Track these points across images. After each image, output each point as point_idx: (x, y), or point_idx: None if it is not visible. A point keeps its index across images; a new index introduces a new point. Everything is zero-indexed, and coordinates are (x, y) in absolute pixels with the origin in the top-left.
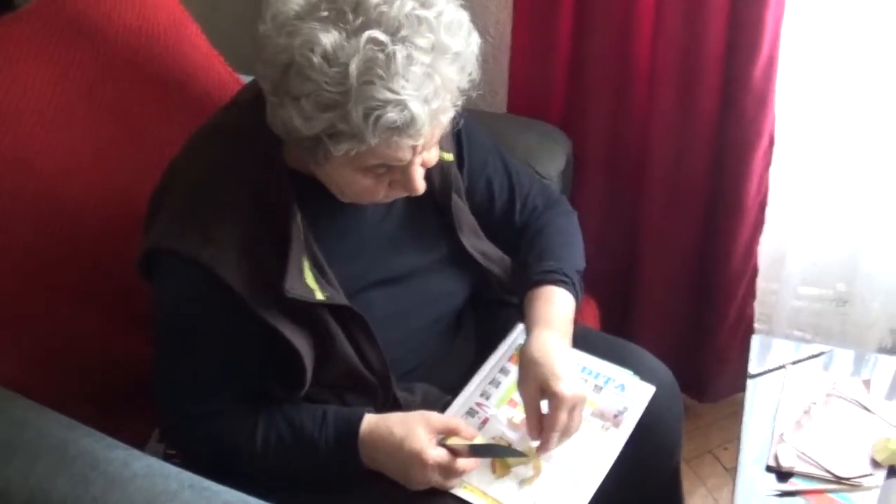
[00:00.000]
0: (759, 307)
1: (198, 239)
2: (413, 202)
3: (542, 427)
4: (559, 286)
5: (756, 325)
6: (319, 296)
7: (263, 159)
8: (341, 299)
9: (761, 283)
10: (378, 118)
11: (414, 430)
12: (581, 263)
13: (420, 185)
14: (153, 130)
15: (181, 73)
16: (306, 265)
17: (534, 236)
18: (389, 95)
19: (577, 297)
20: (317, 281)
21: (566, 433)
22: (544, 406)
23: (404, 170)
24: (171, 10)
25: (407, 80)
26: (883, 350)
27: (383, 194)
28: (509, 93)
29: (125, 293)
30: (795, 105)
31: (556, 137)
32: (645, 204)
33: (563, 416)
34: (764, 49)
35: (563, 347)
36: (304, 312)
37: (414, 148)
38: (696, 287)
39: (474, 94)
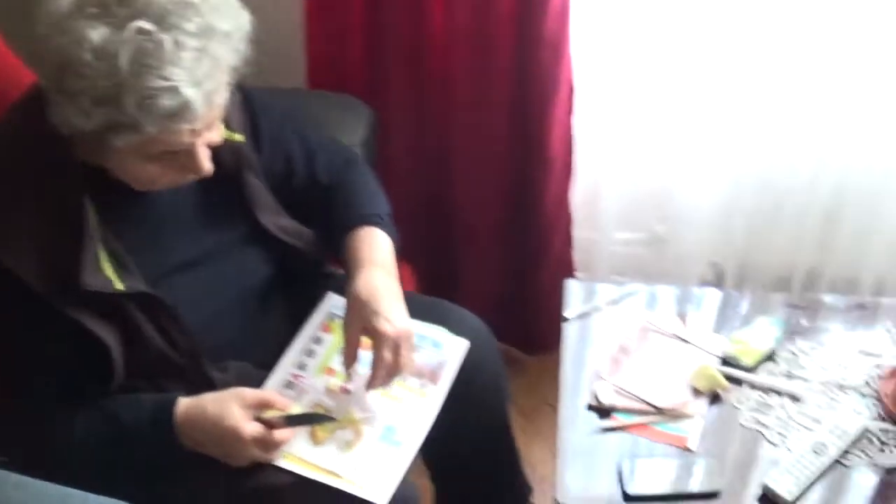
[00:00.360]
0: (579, 255)
1: None
2: (207, 184)
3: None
4: (375, 227)
5: (578, 274)
6: (119, 286)
7: (51, 156)
8: (141, 287)
9: (578, 231)
10: (152, 106)
11: (228, 407)
12: (387, 208)
13: (206, 166)
14: None
15: None
16: (103, 257)
17: (339, 191)
18: (161, 83)
19: (392, 236)
20: (115, 271)
21: (393, 372)
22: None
23: (188, 153)
24: None
25: (177, 66)
26: (706, 283)
27: (172, 179)
28: (308, 68)
29: None
30: (594, 52)
31: (358, 108)
32: (454, 164)
33: (386, 355)
34: (554, 1)
35: (389, 285)
36: (107, 304)
37: (193, 131)
38: (512, 240)
39: (249, 71)
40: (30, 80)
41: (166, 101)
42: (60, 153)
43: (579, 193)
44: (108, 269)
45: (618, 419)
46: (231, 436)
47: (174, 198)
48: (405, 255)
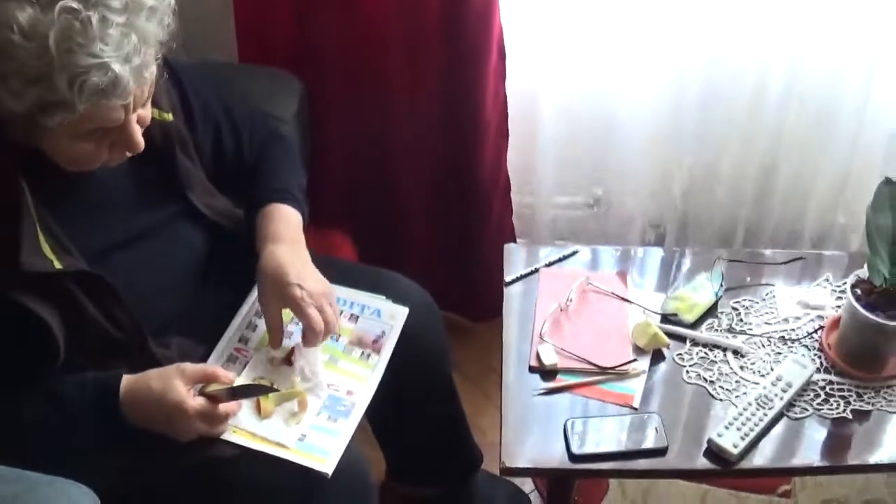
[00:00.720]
0: (518, 221)
1: None
2: (140, 163)
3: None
4: (280, 202)
5: (519, 240)
6: (58, 265)
7: None
8: (81, 266)
9: (517, 197)
10: (83, 84)
11: (171, 382)
12: (300, 181)
13: (139, 142)
14: None
15: None
16: (41, 237)
17: (254, 168)
18: (91, 60)
19: (301, 210)
20: (54, 251)
21: (327, 331)
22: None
23: (121, 130)
24: None
25: (105, 43)
26: (647, 244)
27: (106, 157)
28: (238, 42)
29: None
30: (524, 13)
31: (287, 81)
32: (389, 132)
33: (310, 313)
34: None
35: (296, 254)
36: (48, 284)
37: (125, 107)
38: (451, 207)
39: (174, 45)
40: None
41: (96, 79)
42: None
43: (516, 158)
44: (48, 250)
45: (561, 380)
46: (175, 411)
47: (108, 177)
48: (344, 225)
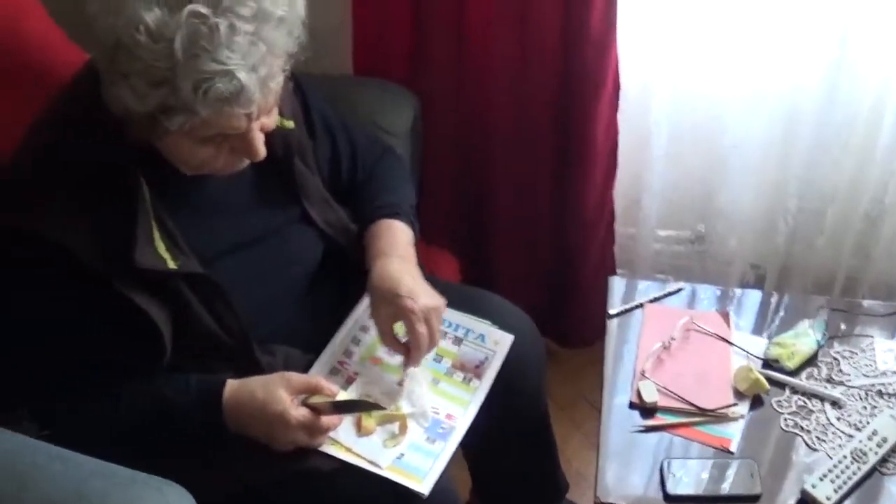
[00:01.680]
0: (620, 252)
1: (46, 217)
2: (260, 169)
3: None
4: (391, 218)
5: (619, 271)
6: (171, 265)
7: (105, 134)
8: (194, 267)
9: (620, 228)
10: (207, 90)
11: (275, 391)
12: (411, 198)
13: (260, 151)
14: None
15: (21, 51)
16: (157, 235)
17: (366, 184)
18: (216, 67)
19: (412, 226)
20: (168, 250)
21: (431, 346)
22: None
23: (242, 137)
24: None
25: (232, 51)
26: (746, 285)
27: (225, 163)
28: (354, 55)
29: None
30: (640, 44)
31: (403, 95)
32: (496, 155)
33: (419, 329)
34: None
35: (407, 269)
36: (159, 283)
37: (248, 116)
38: (555, 235)
39: (303, 57)
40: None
41: (221, 85)
42: (115, 133)
43: (622, 189)
44: (162, 249)
45: (660, 418)
46: (277, 420)
47: (227, 180)
48: (448, 244)
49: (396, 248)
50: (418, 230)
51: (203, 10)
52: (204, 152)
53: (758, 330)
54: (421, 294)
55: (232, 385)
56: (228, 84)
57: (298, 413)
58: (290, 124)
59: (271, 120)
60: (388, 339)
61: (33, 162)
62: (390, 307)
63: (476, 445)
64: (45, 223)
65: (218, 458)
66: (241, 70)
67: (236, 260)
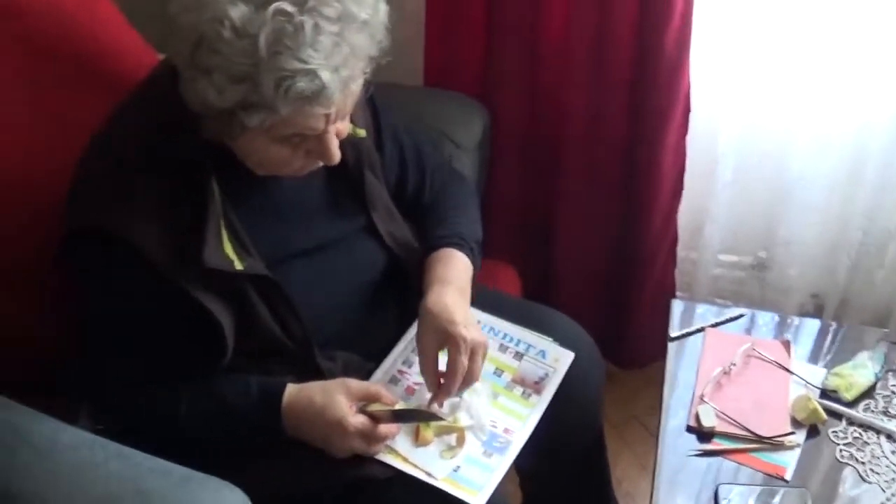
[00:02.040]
0: (680, 275)
1: (116, 213)
2: (330, 176)
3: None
4: (455, 248)
5: (678, 294)
6: (238, 266)
7: (180, 132)
8: (261, 269)
9: (681, 252)
10: (289, 88)
11: (334, 397)
12: (477, 232)
13: (335, 154)
14: (69, 112)
15: (96, 52)
16: (225, 235)
17: (434, 207)
18: (298, 65)
19: (473, 261)
20: (236, 251)
21: (468, 380)
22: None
23: (319, 139)
24: None
25: (315, 50)
26: (804, 314)
27: (299, 165)
28: (425, 67)
29: (35, 276)
30: (711, 71)
31: (473, 108)
32: (563, 172)
33: (463, 360)
34: (676, 16)
35: (462, 302)
36: (225, 283)
37: (327, 117)
38: (616, 254)
39: (384, 62)
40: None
41: (302, 84)
42: (188, 132)
43: (686, 213)
44: (230, 249)
45: (717, 443)
46: (335, 426)
47: (297, 185)
48: (510, 259)
49: (457, 279)
50: (479, 266)
51: (289, 8)
52: (280, 153)
53: (814, 359)
54: (472, 328)
55: (292, 389)
56: (310, 83)
57: (356, 420)
58: (363, 133)
59: (345, 125)
60: (430, 365)
61: (107, 157)
62: (439, 334)
63: (529, 462)
64: (116, 220)
65: (275, 461)
66: (324, 70)
67: (301, 265)
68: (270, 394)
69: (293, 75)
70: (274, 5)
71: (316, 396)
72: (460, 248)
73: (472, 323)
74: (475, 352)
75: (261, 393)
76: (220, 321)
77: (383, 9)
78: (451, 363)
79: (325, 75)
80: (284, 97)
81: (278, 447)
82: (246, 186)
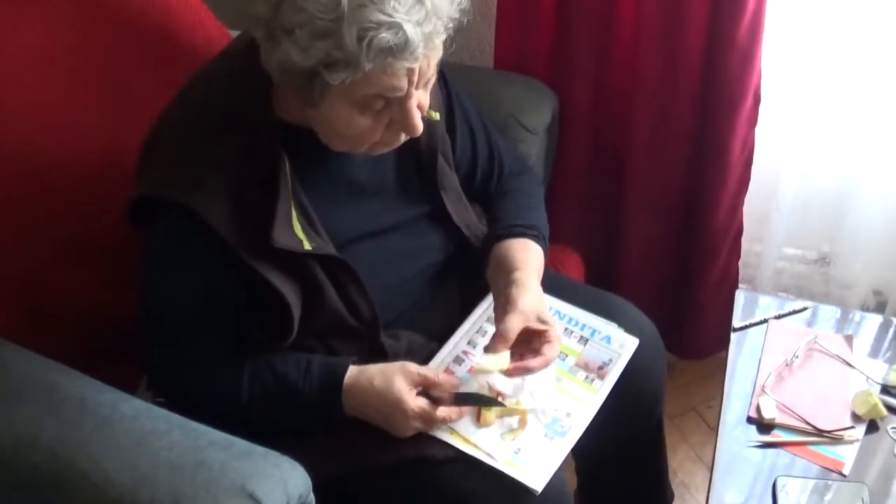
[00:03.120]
0: (743, 267)
1: (188, 186)
2: (401, 158)
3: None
4: (532, 240)
5: (740, 286)
6: (307, 246)
7: (253, 108)
8: (330, 249)
9: (746, 243)
10: (372, 40)
11: (393, 380)
12: (545, 223)
13: (418, 124)
14: (138, 84)
15: (167, 26)
16: (294, 215)
17: (507, 195)
18: (382, 17)
19: (545, 253)
20: (305, 231)
21: (548, 363)
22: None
23: (401, 106)
24: None
25: (399, 3)
26: (866, 310)
27: (379, 136)
28: (496, 48)
29: (111, 247)
30: (782, 63)
31: (543, 92)
32: (630, 160)
33: (555, 351)
34: (749, 7)
35: (538, 288)
36: (293, 262)
37: (409, 76)
38: (680, 244)
39: (465, 21)
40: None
41: (386, 36)
42: (261, 110)
43: (751, 205)
44: (298, 229)
45: (776, 435)
46: (396, 408)
47: (368, 167)
48: (574, 244)
49: (538, 270)
50: (548, 258)
51: None
52: (361, 121)
53: (875, 354)
54: (545, 308)
55: (352, 371)
56: (394, 36)
57: (416, 402)
58: (437, 116)
59: (426, 97)
60: (505, 346)
61: (181, 130)
62: (528, 320)
63: (588, 447)
64: (188, 193)
65: (336, 438)
66: (407, 23)
67: (369, 246)
68: (332, 375)
69: (376, 27)
70: None
71: (376, 379)
72: (536, 239)
73: (545, 306)
74: (557, 333)
75: (322, 374)
76: (287, 300)
77: None
78: (540, 353)
79: (409, 28)
80: (368, 50)
81: (340, 424)
82: (317, 168)
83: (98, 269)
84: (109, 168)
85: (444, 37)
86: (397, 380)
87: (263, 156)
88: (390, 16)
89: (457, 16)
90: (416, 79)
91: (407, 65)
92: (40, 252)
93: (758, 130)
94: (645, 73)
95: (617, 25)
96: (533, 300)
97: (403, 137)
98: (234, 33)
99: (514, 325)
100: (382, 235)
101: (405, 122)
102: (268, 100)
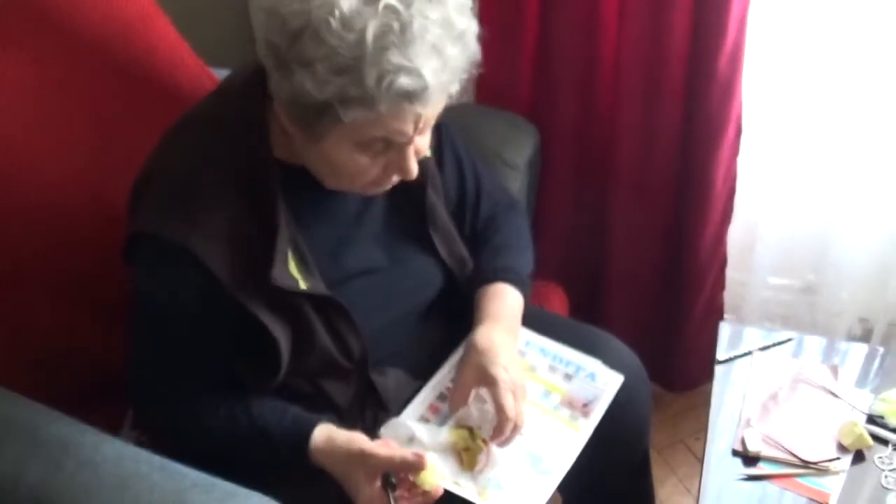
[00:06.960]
0: (728, 297)
1: (182, 224)
2: (393, 195)
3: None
4: (510, 284)
5: (726, 316)
6: (303, 285)
7: (249, 147)
8: (322, 289)
9: (731, 273)
10: (391, 83)
11: (354, 472)
12: (529, 263)
13: (414, 169)
14: (123, 125)
15: (150, 66)
16: (290, 254)
17: (490, 236)
18: (404, 62)
19: (524, 294)
20: (300, 271)
21: (518, 423)
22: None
23: (400, 150)
24: (140, 2)
25: (420, 49)
26: (852, 338)
27: (374, 177)
28: (477, 84)
29: (93, 287)
30: (763, 93)
31: (524, 127)
32: (613, 193)
33: (509, 401)
34: (729, 38)
35: (509, 342)
36: (285, 301)
37: (416, 120)
38: (665, 276)
39: (475, 72)
40: (204, 76)
41: (406, 80)
42: (261, 148)
43: (735, 235)
44: (293, 268)
45: (762, 468)
46: (352, 490)
47: (360, 205)
48: (558, 279)
49: (508, 318)
50: (529, 297)
51: (397, 5)
52: (360, 161)
53: (861, 384)
54: (514, 368)
55: (319, 437)
56: (413, 80)
57: (371, 492)
58: (427, 152)
59: (425, 142)
60: (460, 400)
61: (172, 171)
62: (479, 372)
63: (574, 484)
64: (180, 230)
65: (318, 479)
66: (427, 69)
67: (360, 285)
68: (298, 437)
69: (397, 71)
70: (384, 1)
71: (336, 468)
72: (513, 283)
73: (516, 363)
74: (515, 390)
75: (293, 424)
76: (276, 339)
77: (474, 24)
78: (498, 406)
79: (428, 75)
80: (386, 92)
81: (312, 475)
82: (310, 206)
83: (80, 309)
84: (92, 209)
85: (457, 87)
86: (358, 472)
87: (260, 194)
88: (411, 61)
89: (466, 66)
90: (421, 125)
91: (418, 110)
92: (21, 292)
93: (740, 161)
94: (626, 105)
95: (597, 59)
96: (484, 348)
97: (396, 179)
98: (217, 72)
99: (464, 380)
100: (374, 274)
101: (402, 166)
102: (264, 138)
